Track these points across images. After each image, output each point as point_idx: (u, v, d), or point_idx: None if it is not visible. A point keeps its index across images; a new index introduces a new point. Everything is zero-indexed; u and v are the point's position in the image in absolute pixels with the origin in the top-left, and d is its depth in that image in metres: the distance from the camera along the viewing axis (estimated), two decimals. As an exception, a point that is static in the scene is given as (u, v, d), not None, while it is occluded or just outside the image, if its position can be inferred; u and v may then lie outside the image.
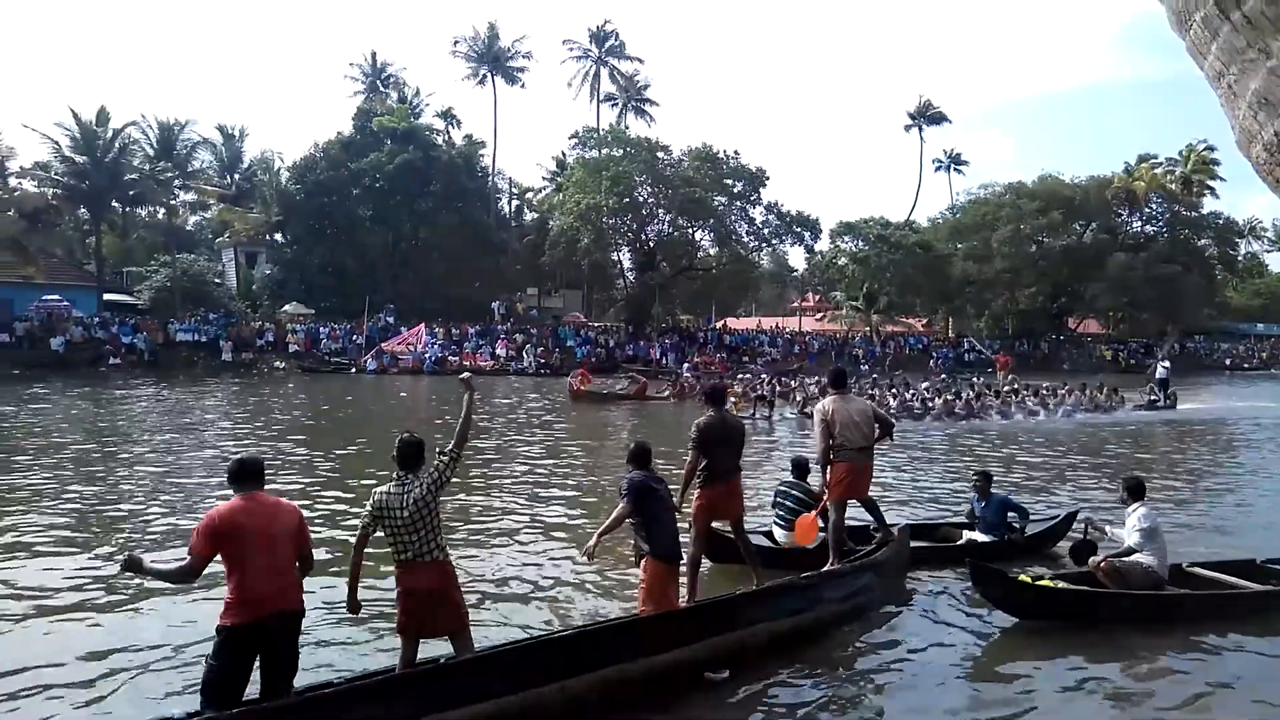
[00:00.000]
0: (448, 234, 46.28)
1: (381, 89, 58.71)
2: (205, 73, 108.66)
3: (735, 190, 49.22)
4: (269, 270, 50.17)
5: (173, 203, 51.76)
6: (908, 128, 71.55)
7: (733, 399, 20.52)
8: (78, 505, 10.38)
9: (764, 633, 5.83)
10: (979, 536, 8.53)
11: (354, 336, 40.01)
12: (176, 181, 49.59)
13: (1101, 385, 26.28)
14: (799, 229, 50.19)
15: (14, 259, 41.06)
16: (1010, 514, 8.61)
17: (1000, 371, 33.06)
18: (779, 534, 8.06)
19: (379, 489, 4.70)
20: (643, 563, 5.63)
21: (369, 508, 4.70)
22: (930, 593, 7.40)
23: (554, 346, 43.32)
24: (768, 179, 49.27)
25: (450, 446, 4.83)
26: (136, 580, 6.67)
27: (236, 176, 55.82)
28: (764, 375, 28.49)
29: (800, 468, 8.36)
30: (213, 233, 53.97)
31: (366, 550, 4.82)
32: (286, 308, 43.88)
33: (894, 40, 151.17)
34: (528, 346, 41.88)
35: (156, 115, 49.84)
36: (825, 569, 6.96)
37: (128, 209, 48.97)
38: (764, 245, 52.52)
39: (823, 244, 53.39)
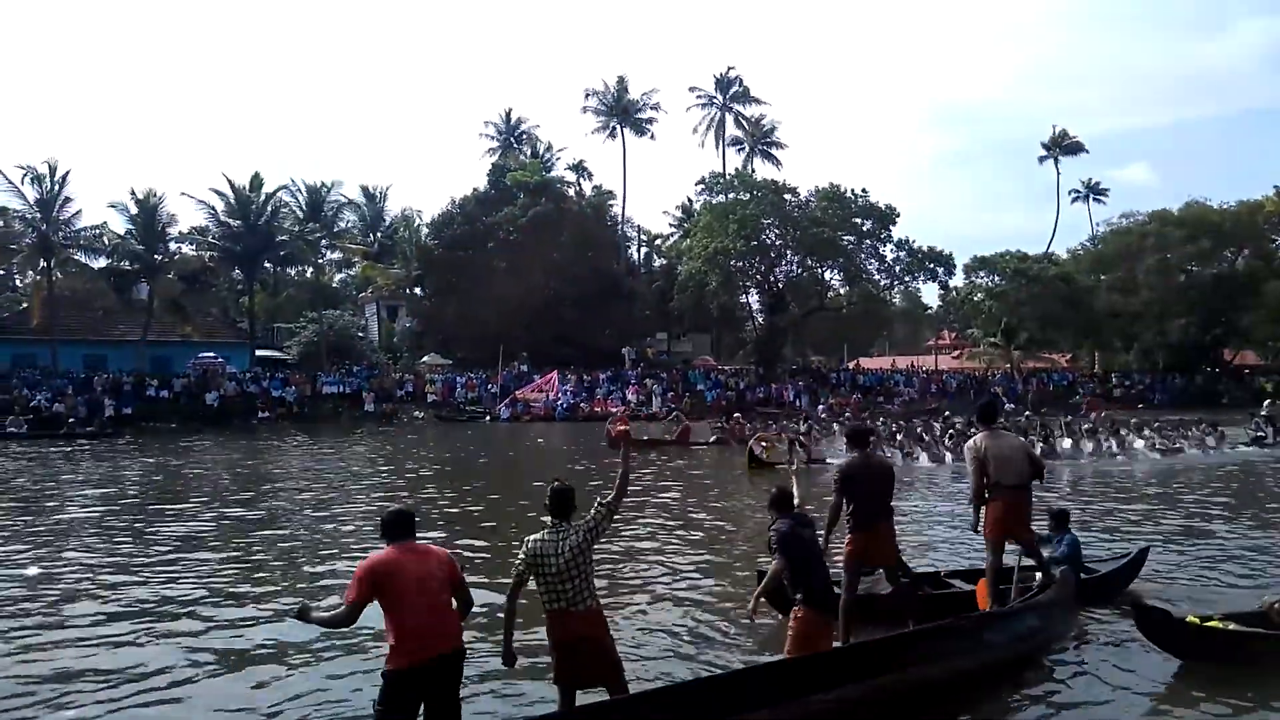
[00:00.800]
0: (579, 283, 46.35)
1: (515, 145, 60.14)
2: (352, 136, 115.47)
3: (864, 229, 47.82)
4: (408, 323, 51.55)
5: (320, 262, 54.16)
6: (1042, 159, 67.90)
7: (764, 444, 19.95)
8: (243, 552, 10.47)
9: (921, 676, 5.49)
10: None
11: (489, 386, 40.23)
12: (324, 241, 51.81)
13: (1200, 421, 24.43)
14: (932, 265, 48.06)
15: (174, 319, 43.72)
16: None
17: (1092, 413, 30.72)
18: None
19: (531, 537, 4.64)
20: (792, 611, 5.46)
21: (522, 556, 4.63)
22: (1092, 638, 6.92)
23: (684, 390, 42.38)
24: (898, 216, 47.53)
25: (610, 498, 4.72)
26: (306, 630, 6.29)
27: (379, 234, 58.14)
28: (785, 422, 25.84)
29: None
30: (356, 288, 56.09)
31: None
32: (425, 359, 44.75)
33: (1024, 72, 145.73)
34: (657, 391, 41.11)
35: (305, 178, 52.45)
36: (986, 611, 6.74)
37: (278, 269, 51.47)
38: (896, 283, 50.63)
39: (957, 280, 50.99)
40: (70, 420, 31.11)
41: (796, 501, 5.80)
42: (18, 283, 50.20)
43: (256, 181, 45.73)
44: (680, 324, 55.78)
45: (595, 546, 4.63)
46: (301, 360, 43.34)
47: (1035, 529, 7.67)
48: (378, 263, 52.81)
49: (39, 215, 41.26)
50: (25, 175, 40.58)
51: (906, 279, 50.51)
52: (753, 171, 56.32)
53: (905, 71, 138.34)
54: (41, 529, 12.31)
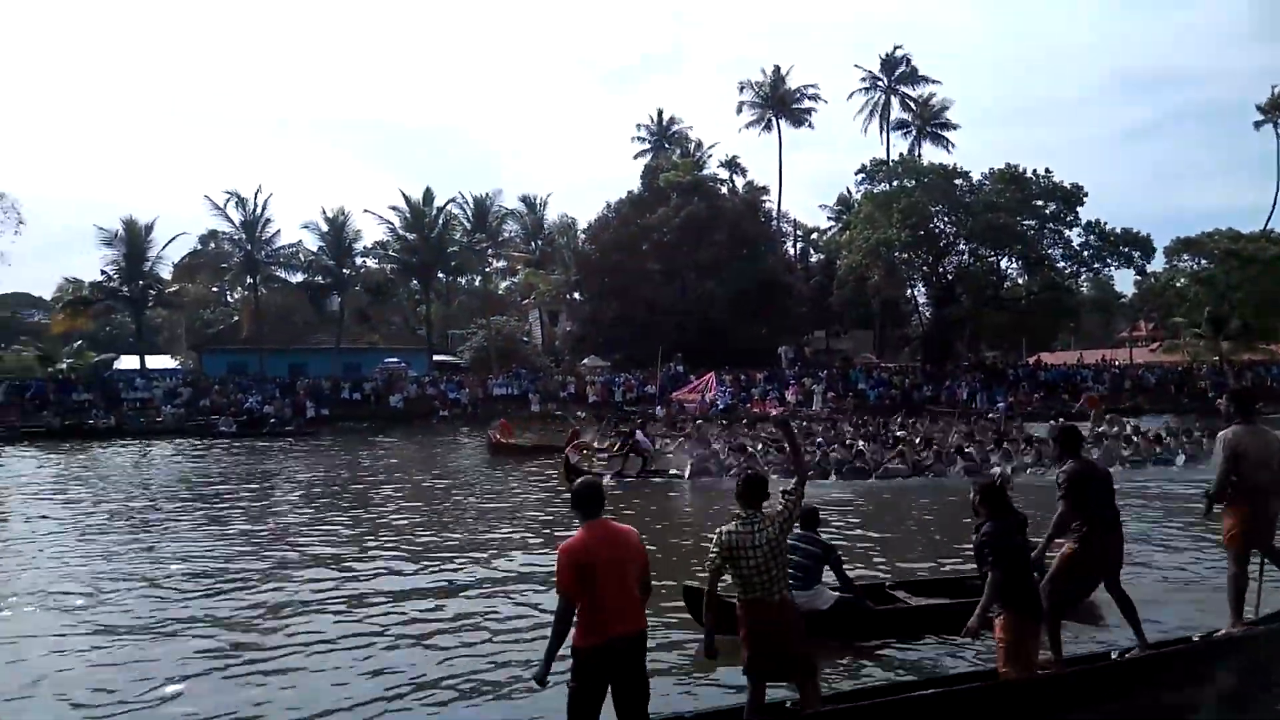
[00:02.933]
0: (733, 281, 47.36)
1: (667, 146, 62.00)
2: (512, 146, 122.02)
3: (1047, 212, 45.86)
4: (569, 327, 54.41)
5: (487, 270, 58.33)
6: (1259, 123, 62.03)
7: (583, 451, 19.40)
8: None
9: (1153, 702, 5.37)
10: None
11: (647, 386, 41.97)
12: (489, 251, 55.85)
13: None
14: (1126, 249, 45.34)
15: (362, 328, 48.73)
16: None
17: (1091, 409, 28.16)
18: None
19: (725, 529, 4.82)
20: (999, 621, 5.22)
21: (716, 549, 4.82)
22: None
23: (845, 390, 42.39)
24: (1085, 196, 45.17)
25: (792, 485, 4.96)
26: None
27: (539, 242, 61.68)
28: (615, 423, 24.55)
29: (809, 517, 7.53)
30: (520, 295, 59.73)
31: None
32: (585, 361, 47.20)
33: (1220, 28, 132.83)
34: (817, 390, 41.36)
35: (471, 190, 56.64)
36: (1224, 632, 6.13)
37: (450, 278, 55.67)
38: (1083, 270, 48.13)
39: (1156, 264, 47.72)
40: (272, 420, 35.56)
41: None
42: (229, 298, 57.03)
43: (428, 195, 49.93)
44: (839, 320, 55.55)
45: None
46: (473, 364, 46.91)
47: None
48: (539, 269, 56.08)
49: (244, 237, 47.06)
50: (230, 200, 46.45)
51: (1096, 265, 47.98)
52: (919, 156, 55.27)
53: (1085, 39, 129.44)
54: (360, 514, 15.14)
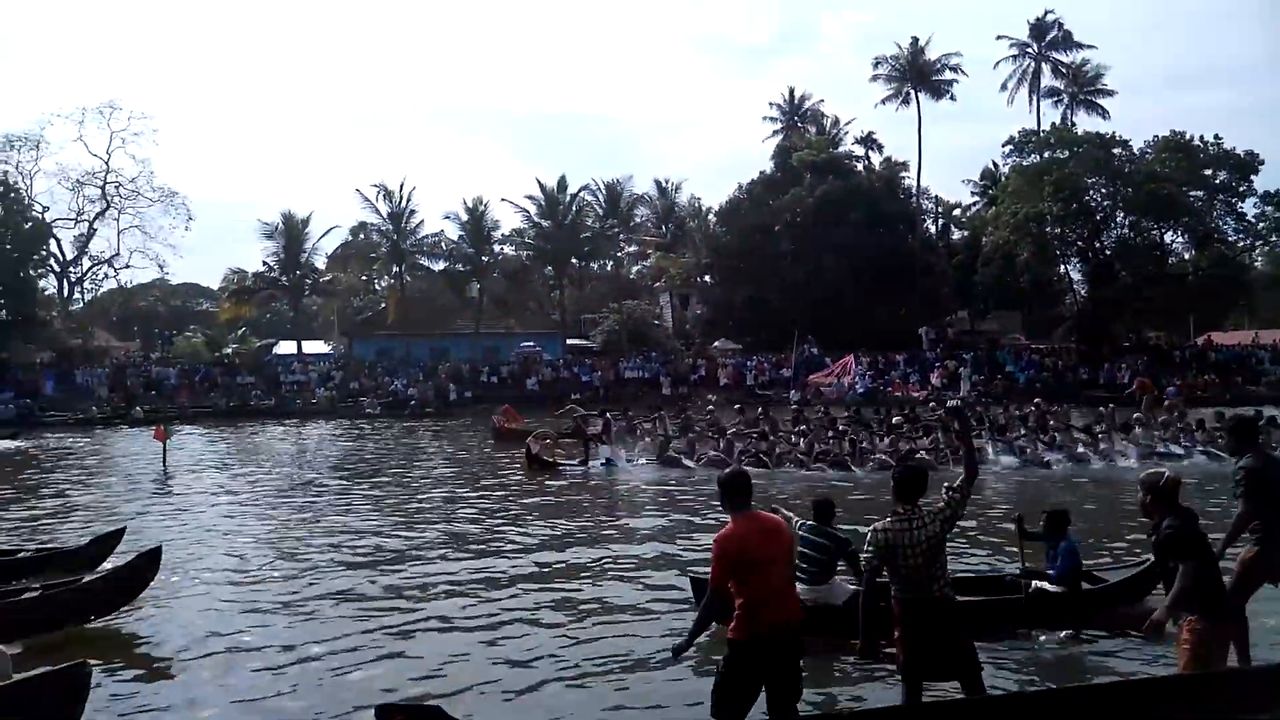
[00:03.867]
0: (869, 261, 46.12)
1: (799, 124, 60.81)
2: (645, 130, 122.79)
3: (1217, 181, 42.54)
4: (700, 310, 54.44)
5: (618, 255, 59.08)
6: None
7: (545, 441, 19.02)
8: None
9: None
10: (1047, 586, 7.26)
11: (782, 370, 41.39)
12: (621, 236, 56.53)
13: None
14: (1308, 221, 41.48)
15: (499, 313, 50.41)
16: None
17: (1142, 394, 25.96)
18: (802, 589, 6.86)
19: (880, 525, 4.74)
20: (1184, 623, 4.83)
21: (873, 548, 4.75)
22: None
23: (993, 373, 40.60)
24: (1261, 164, 41.60)
25: (960, 481, 4.83)
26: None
27: (670, 226, 61.86)
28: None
29: (822, 509, 7.28)
30: (651, 279, 60.19)
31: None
32: (716, 344, 47.14)
33: None
34: (965, 374, 39.75)
35: (603, 176, 57.30)
36: None
37: (583, 264, 56.71)
38: (1258, 243, 44.45)
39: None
40: (412, 403, 37.23)
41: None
42: (377, 286, 60.13)
43: (562, 183, 51.03)
44: (984, 300, 53.16)
45: None
46: (605, 348, 47.63)
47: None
48: (670, 253, 56.27)
49: (391, 227, 49.50)
50: (379, 193, 48.92)
51: (1273, 238, 44.33)
52: (1072, 125, 52.07)
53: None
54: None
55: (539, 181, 51.64)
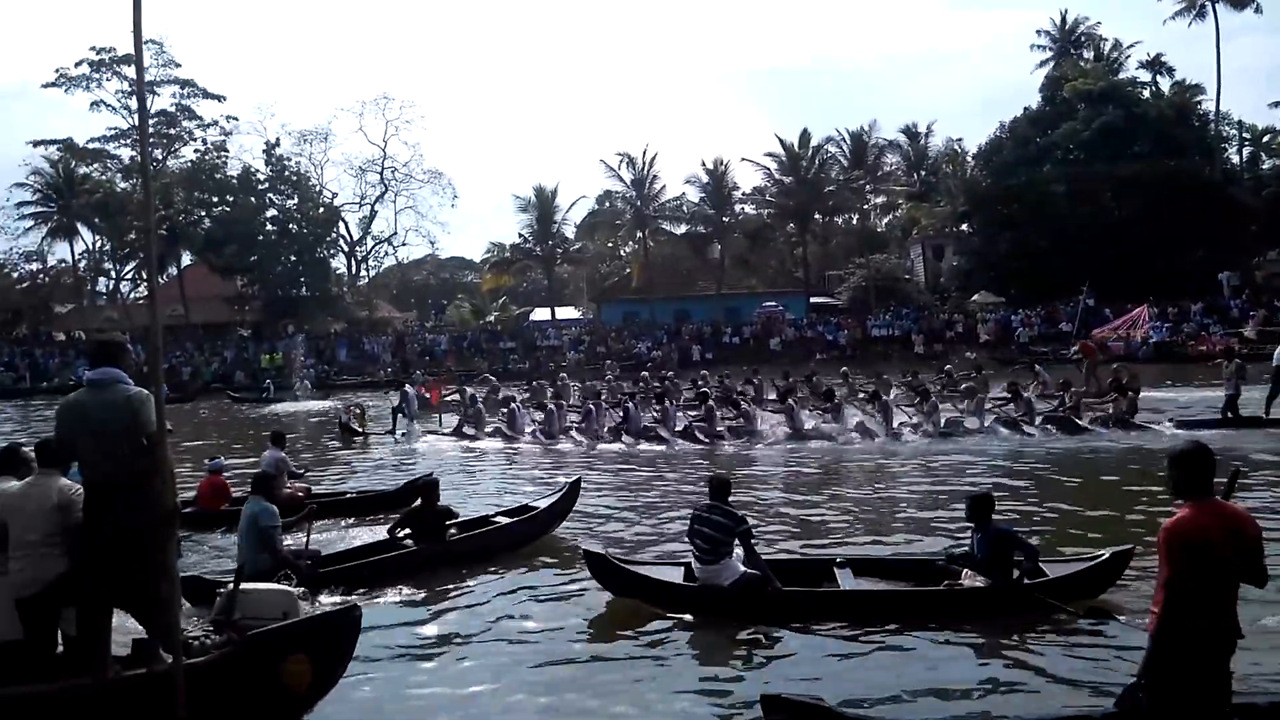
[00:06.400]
0: (1156, 198, 40.90)
1: (1073, 51, 54.88)
2: (889, 74, 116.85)
3: None
4: (956, 261, 51.16)
5: (865, 208, 56.78)
6: None
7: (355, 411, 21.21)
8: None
9: None
10: (976, 580, 6.80)
11: (1062, 324, 37.70)
12: (868, 187, 54.24)
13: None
14: None
15: (741, 273, 50.30)
16: (1015, 553, 6.80)
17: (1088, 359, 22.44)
18: (696, 568, 7.08)
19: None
20: None
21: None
22: None
23: (1320, 323, 34.69)
24: None
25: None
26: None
27: (922, 173, 58.44)
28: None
29: (720, 487, 7.21)
30: (901, 231, 57.36)
31: None
32: (975, 297, 44.14)
33: None
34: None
35: (848, 126, 55.12)
36: None
37: (827, 219, 55.14)
38: None
39: None
40: (648, 364, 37.86)
41: None
42: (622, 252, 62.11)
43: (805, 138, 49.93)
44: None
45: None
46: (851, 305, 46.08)
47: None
48: (922, 202, 53.28)
49: (634, 194, 50.81)
50: (622, 161, 50.31)
51: None
52: None
53: None
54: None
55: (779, 138, 51.06)
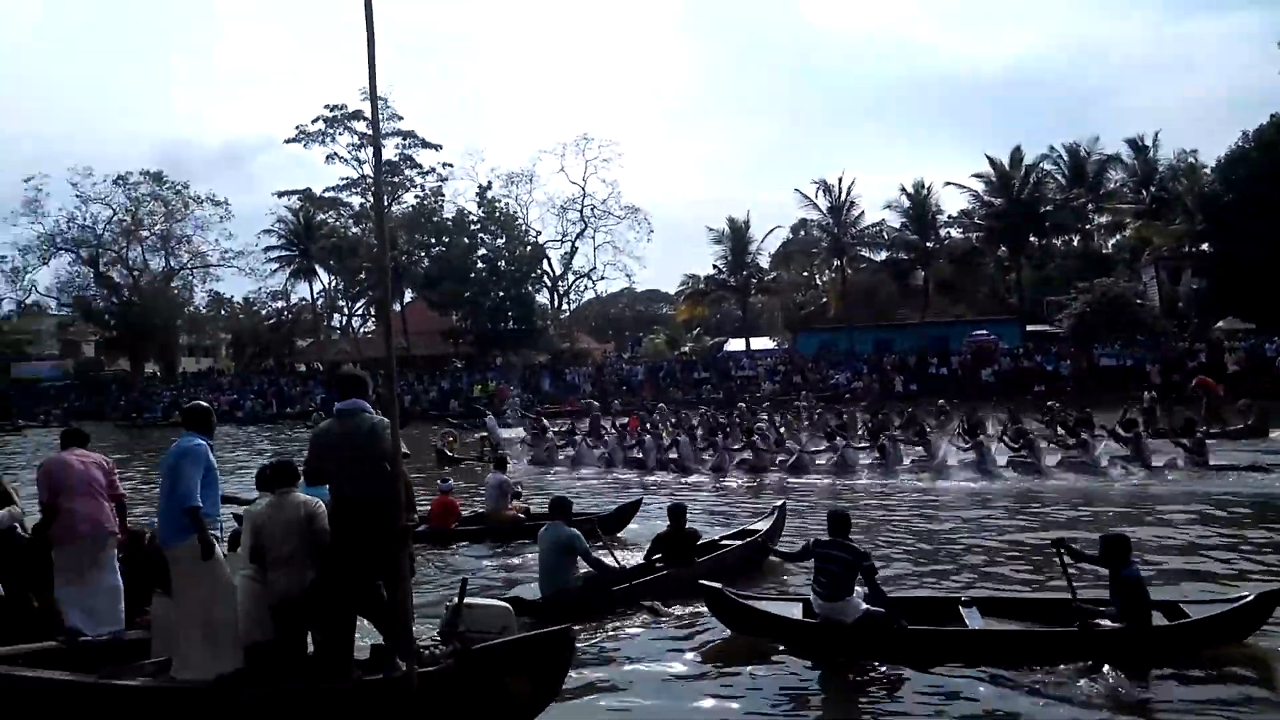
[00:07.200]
0: None
1: (1332, 47, 48.97)
2: (1107, 83, 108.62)
3: None
4: (1196, 284, 46.55)
5: (1087, 228, 52.89)
6: None
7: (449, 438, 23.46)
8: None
9: None
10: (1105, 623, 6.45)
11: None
12: (1089, 206, 50.58)
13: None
14: None
15: (946, 300, 48.24)
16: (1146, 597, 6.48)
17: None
18: (817, 604, 6.96)
19: None
20: None
21: None
22: None
23: None
24: None
25: None
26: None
27: (1152, 188, 53.72)
28: None
29: (840, 522, 7.19)
30: (1130, 252, 52.94)
31: None
32: (1220, 324, 39.92)
33: None
34: None
35: (1064, 142, 51.76)
36: None
37: (1044, 240, 51.91)
38: None
39: None
40: (846, 395, 37.20)
41: None
42: (818, 281, 61.25)
43: (1016, 156, 47.50)
44: None
45: None
46: (1073, 333, 42.84)
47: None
48: (1154, 220, 48.91)
49: (831, 222, 50.24)
50: (818, 189, 49.91)
51: None
52: None
53: None
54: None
55: (988, 157, 48.71)
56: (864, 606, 6.77)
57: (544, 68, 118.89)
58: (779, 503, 10.68)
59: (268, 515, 5.52)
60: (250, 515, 5.70)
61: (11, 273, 58.37)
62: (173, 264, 61.03)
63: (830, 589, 6.84)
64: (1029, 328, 46.31)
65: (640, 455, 18.82)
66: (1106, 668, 6.18)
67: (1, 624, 5.91)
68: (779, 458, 17.41)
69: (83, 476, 6.21)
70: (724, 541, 9.89)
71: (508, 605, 6.45)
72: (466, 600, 5.89)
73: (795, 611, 7.22)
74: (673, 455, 18.35)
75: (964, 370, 39.87)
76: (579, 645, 7.65)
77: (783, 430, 19.72)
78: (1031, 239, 49.98)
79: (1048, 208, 48.12)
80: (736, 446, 18.22)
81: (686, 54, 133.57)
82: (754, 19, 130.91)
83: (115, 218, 58.55)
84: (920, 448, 17.14)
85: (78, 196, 56.90)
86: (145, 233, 59.51)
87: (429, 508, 11.96)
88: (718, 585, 7.40)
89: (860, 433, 19.78)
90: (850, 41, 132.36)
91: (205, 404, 6.13)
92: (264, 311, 65.17)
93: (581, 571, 8.28)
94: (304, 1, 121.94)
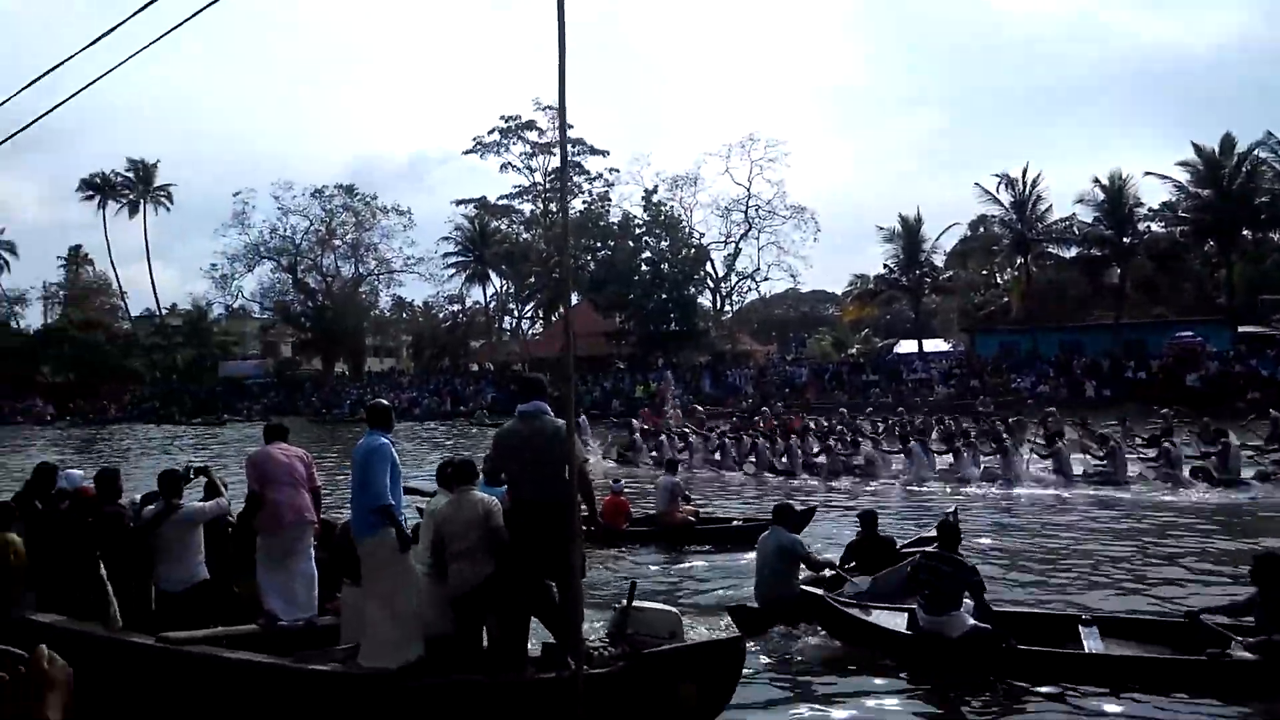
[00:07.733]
0: None
1: None
2: None
3: None
4: None
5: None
6: None
7: None
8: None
9: None
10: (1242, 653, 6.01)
11: None
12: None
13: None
14: None
15: (1145, 299, 44.69)
16: None
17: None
18: (922, 617, 6.68)
19: None
20: None
21: None
22: None
23: None
24: None
25: None
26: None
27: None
28: None
29: (949, 534, 6.90)
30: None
31: None
32: None
33: None
34: None
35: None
36: None
37: (1258, 234, 47.23)
38: None
39: None
40: (1029, 401, 34.05)
41: None
42: (998, 280, 58.21)
43: (1228, 143, 43.43)
44: None
45: None
46: (1294, 336, 38.65)
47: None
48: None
49: (1014, 217, 47.68)
50: (1000, 183, 47.47)
51: None
52: None
53: None
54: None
55: (1195, 145, 44.58)
56: (971, 622, 6.59)
57: (710, 72, 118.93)
58: (952, 508, 10.52)
59: (448, 512, 5.76)
60: (432, 512, 5.99)
61: (221, 280, 64.29)
62: (361, 270, 65.37)
63: (935, 602, 6.70)
64: (1241, 329, 42.12)
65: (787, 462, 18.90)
66: (1242, 703, 5.77)
67: (206, 606, 6.42)
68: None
69: (286, 469, 6.67)
70: (904, 550, 9.61)
71: (676, 610, 6.47)
72: (635, 604, 5.92)
73: (900, 623, 7.02)
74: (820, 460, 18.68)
75: (1164, 375, 36.67)
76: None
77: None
78: (1244, 233, 45.48)
79: (1264, 199, 43.57)
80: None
81: (854, 48, 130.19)
82: (931, 8, 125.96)
83: (311, 228, 63.40)
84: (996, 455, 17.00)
85: (279, 209, 62.09)
86: (338, 241, 64.06)
87: (600, 508, 12.21)
88: (819, 591, 7.33)
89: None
90: (1038, 26, 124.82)
91: (385, 402, 6.49)
92: (441, 314, 68.77)
93: (802, 576, 8.15)
94: (486, 15, 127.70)
